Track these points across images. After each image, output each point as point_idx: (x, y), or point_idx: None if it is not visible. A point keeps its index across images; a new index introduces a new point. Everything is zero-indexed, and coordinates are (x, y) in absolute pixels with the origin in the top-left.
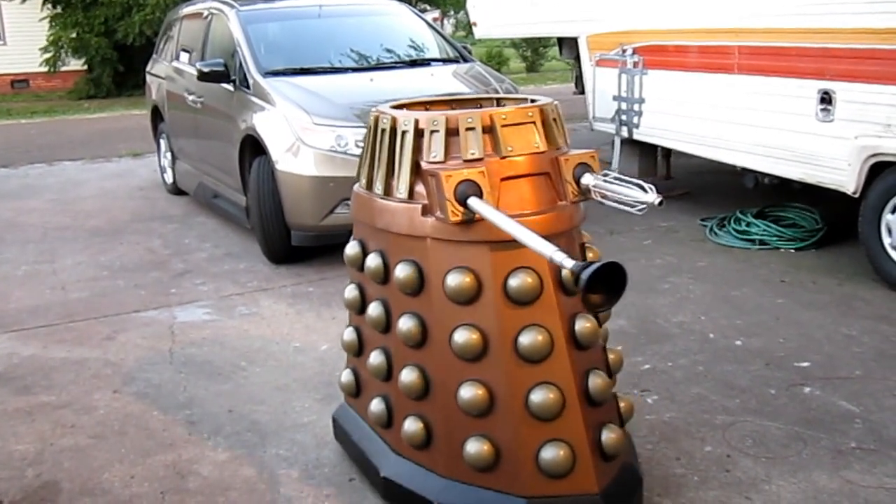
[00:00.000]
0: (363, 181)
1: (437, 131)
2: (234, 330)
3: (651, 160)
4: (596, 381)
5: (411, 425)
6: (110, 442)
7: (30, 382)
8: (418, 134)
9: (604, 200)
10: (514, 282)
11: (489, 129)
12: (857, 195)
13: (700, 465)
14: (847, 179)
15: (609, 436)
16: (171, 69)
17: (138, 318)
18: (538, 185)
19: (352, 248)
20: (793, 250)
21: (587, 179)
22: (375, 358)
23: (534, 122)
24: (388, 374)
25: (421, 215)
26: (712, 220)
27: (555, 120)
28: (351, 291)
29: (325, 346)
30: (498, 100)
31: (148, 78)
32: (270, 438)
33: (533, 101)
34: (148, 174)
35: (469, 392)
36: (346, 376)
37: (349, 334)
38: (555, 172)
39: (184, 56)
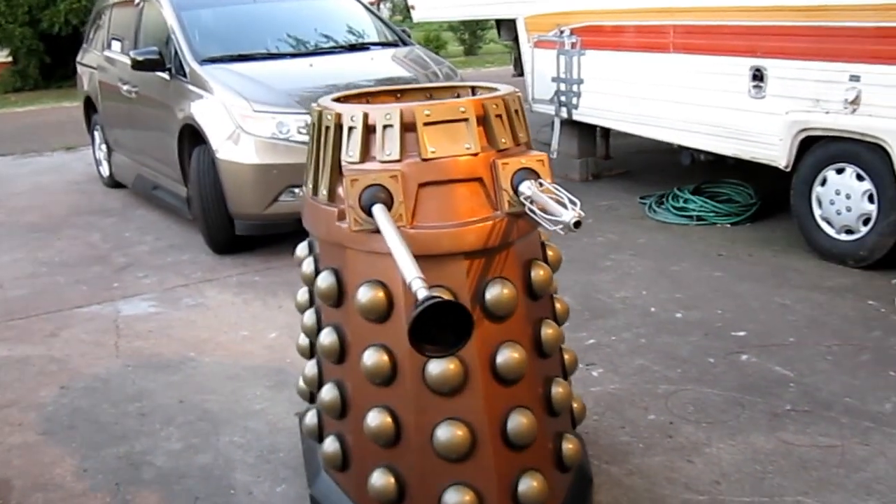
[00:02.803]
0: (304, 177)
1: (355, 128)
2: (180, 321)
3: (590, 140)
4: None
5: (330, 445)
6: (60, 437)
7: None
8: (339, 129)
9: (533, 215)
10: None
11: (411, 127)
12: (788, 169)
13: (644, 433)
14: (779, 154)
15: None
16: (103, 59)
17: (81, 314)
18: (466, 192)
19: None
20: (729, 225)
21: (524, 188)
22: (311, 368)
23: (466, 120)
24: (319, 386)
25: (337, 220)
26: (651, 198)
27: (499, 116)
28: (303, 294)
29: (274, 334)
30: (473, 88)
31: (79, 68)
32: (223, 426)
33: (490, 89)
34: (83, 168)
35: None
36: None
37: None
38: (490, 178)
39: (115, 45)
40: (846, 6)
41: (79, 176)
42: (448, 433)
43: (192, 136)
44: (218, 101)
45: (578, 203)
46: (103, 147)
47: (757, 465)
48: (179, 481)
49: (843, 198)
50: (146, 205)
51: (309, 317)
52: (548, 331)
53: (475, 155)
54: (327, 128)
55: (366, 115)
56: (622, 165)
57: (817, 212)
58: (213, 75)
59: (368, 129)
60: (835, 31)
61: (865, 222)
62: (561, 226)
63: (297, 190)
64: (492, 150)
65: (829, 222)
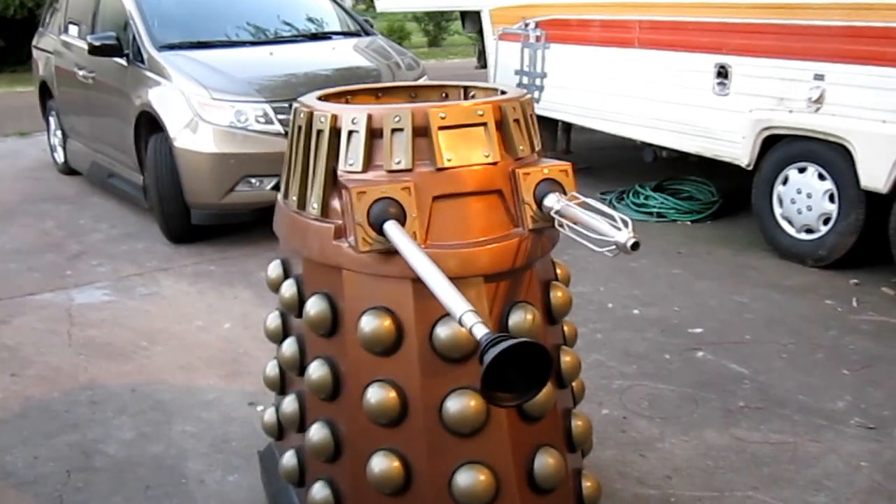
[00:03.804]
0: (282, 188)
1: (357, 132)
2: (134, 311)
3: (551, 135)
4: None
5: (319, 492)
6: (11, 425)
7: None
8: (335, 133)
9: (564, 230)
10: (443, 330)
11: (423, 132)
12: (750, 167)
13: (598, 427)
14: (741, 152)
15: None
16: (60, 43)
17: (33, 301)
18: (485, 206)
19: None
20: (689, 222)
21: (551, 201)
22: (290, 404)
23: (485, 124)
24: (302, 425)
25: (334, 239)
26: (612, 194)
27: (517, 121)
28: (274, 319)
29: (228, 324)
30: (465, 88)
31: (34, 53)
32: (176, 416)
33: (503, 92)
34: (37, 154)
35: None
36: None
37: (272, 367)
38: (510, 190)
39: (72, 29)
40: (812, 5)
41: (33, 162)
42: (470, 479)
43: (149, 124)
44: (176, 89)
45: (630, 221)
46: (58, 133)
47: (709, 460)
48: (131, 470)
49: (804, 197)
50: (101, 193)
51: (289, 347)
52: (566, 358)
53: (494, 164)
54: (320, 131)
55: (370, 118)
56: (583, 161)
57: (778, 210)
58: (172, 62)
59: (373, 134)
60: (800, 29)
61: (826, 222)
62: (611, 247)
63: (253, 180)
64: (510, 158)
65: (789, 221)
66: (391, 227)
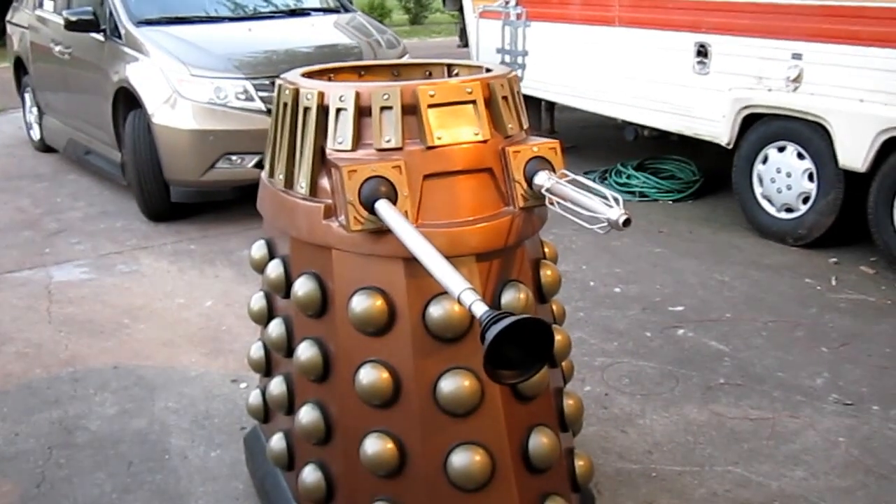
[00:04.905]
0: (266, 166)
1: (345, 109)
2: (114, 288)
3: (535, 114)
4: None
5: (310, 475)
6: None
7: None
8: (323, 111)
9: (554, 208)
10: (436, 310)
11: (412, 110)
12: (730, 146)
13: None
14: (721, 131)
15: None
16: (35, 18)
17: (11, 279)
18: (476, 185)
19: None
20: (671, 201)
21: (541, 179)
22: (277, 386)
23: (474, 102)
24: (290, 407)
25: (323, 218)
26: (594, 173)
27: (506, 98)
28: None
29: (210, 301)
30: (449, 66)
31: (9, 28)
32: (159, 392)
33: (488, 70)
34: (13, 131)
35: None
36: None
37: (259, 346)
38: (500, 169)
39: (48, 4)
40: None
41: (8, 139)
42: (465, 460)
43: (126, 100)
44: (154, 65)
45: (621, 198)
46: (34, 110)
47: (689, 435)
48: (114, 446)
49: (783, 176)
50: (78, 170)
51: (276, 328)
52: (557, 337)
53: (484, 142)
54: (307, 109)
55: (358, 95)
56: (566, 140)
57: (758, 189)
58: (150, 38)
59: (361, 112)
60: (778, 8)
61: (805, 201)
62: (603, 224)
63: (234, 157)
64: (499, 136)
65: (769, 200)
66: (383, 206)
